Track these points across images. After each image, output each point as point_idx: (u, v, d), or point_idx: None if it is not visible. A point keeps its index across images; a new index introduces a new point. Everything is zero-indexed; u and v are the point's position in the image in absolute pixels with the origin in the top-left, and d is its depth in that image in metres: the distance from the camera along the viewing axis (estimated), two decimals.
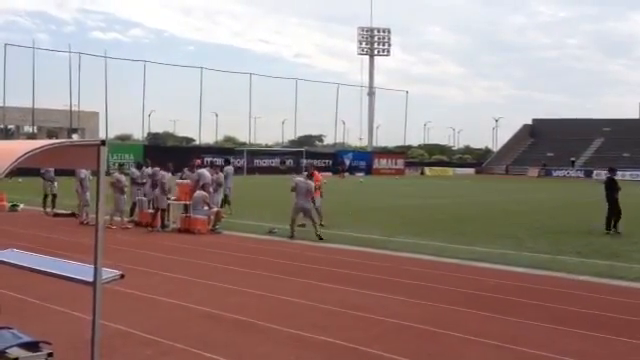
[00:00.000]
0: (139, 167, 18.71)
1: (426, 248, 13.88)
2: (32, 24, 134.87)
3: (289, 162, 63.89)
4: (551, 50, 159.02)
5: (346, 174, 58.98)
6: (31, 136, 64.17)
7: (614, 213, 17.52)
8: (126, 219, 17.29)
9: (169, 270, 10.84)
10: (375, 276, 10.70)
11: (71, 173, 18.04)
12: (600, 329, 7.60)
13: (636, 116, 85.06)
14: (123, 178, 17.67)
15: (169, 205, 17.04)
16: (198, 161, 21.29)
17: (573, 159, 78.21)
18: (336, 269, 11.30)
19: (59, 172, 20.99)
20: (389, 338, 7.09)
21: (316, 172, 18.62)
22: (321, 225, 16.88)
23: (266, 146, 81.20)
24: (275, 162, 62.54)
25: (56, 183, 20.84)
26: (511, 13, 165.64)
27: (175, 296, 8.77)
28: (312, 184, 16.24)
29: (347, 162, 65.99)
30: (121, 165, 20.69)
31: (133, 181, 18.02)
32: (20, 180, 21.01)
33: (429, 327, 7.48)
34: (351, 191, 37.10)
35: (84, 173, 17.90)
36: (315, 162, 65.45)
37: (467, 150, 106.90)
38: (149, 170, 18.04)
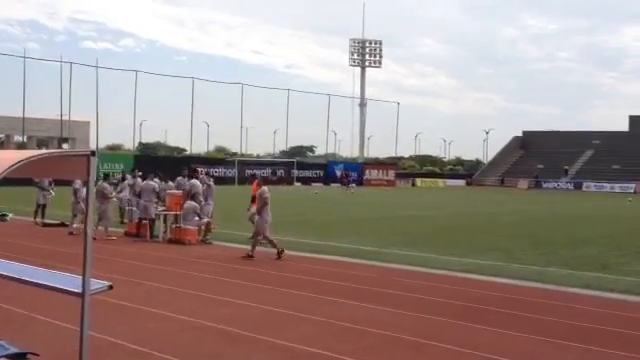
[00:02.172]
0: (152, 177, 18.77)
1: (417, 259, 13.89)
2: (23, 33, 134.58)
3: (280, 172, 63.88)
4: (542, 63, 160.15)
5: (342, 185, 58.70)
6: (21, 145, 63.90)
7: None
8: (110, 229, 17.26)
9: (158, 281, 10.79)
10: (366, 287, 10.68)
11: (67, 183, 17.92)
12: (590, 341, 7.62)
13: (626, 128, 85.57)
14: (109, 187, 17.62)
15: (157, 215, 17.02)
16: (202, 170, 21.12)
17: (567, 167, 78.68)
18: (326, 280, 11.28)
19: (57, 182, 20.93)
20: (379, 350, 7.07)
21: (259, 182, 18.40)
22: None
23: (257, 156, 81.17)
24: (266, 172, 62.48)
25: (51, 194, 20.75)
26: (502, 26, 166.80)
27: (164, 307, 8.72)
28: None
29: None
30: (106, 175, 20.46)
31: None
32: (52, 193, 20.74)
33: (419, 339, 7.47)
34: (342, 202, 37.13)
35: (78, 183, 17.81)
36: (306, 173, 65.99)
37: (458, 161, 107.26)
38: (130, 180, 18.12)
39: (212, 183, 19.21)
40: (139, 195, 17.35)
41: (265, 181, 15.95)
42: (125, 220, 18.73)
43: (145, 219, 16.89)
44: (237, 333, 7.51)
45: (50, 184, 20.81)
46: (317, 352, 6.83)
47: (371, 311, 8.89)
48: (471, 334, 7.81)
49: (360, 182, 66.25)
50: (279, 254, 13.76)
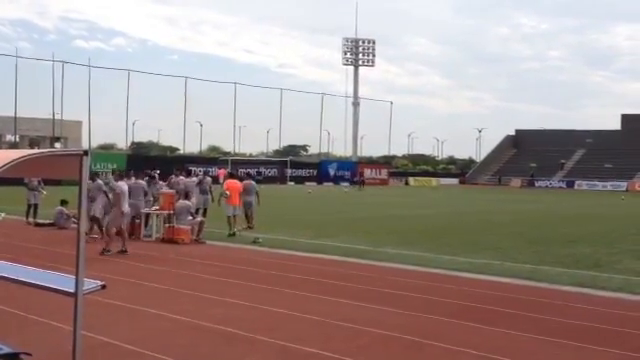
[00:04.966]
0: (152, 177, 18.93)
1: (410, 258, 13.89)
2: (14, 32, 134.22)
3: (271, 172, 63.66)
4: (533, 61, 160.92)
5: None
6: (13, 145, 63.65)
7: None
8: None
9: (153, 280, 10.75)
10: (360, 287, 10.67)
11: (56, 183, 17.85)
12: (585, 339, 7.63)
13: (618, 127, 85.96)
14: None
15: (148, 214, 17.02)
16: (223, 171, 21.54)
17: (563, 161, 79.11)
18: (321, 279, 11.27)
19: (47, 182, 20.85)
20: (375, 349, 7.06)
21: (231, 180, 19.07)
22: (232, 234, 17.33)
23: (250, 156, 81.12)
24: (260, 172, 62.38)
25: (43, 193, 20.65)
26: (494, 25, 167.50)
27: (159, 307, 8.69)
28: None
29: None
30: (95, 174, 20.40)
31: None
32: (44, 192, 20.74)
33: (415, 338, 7.47)
34: (335, 201, 37.15)
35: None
36: (300, 172, 65.95)
37: (451, 160, 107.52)
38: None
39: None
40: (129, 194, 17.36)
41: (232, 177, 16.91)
42: None
43: (137, 218, 16.90)
44: (233, 333, 7.49)
45: (39, 183, 20.71)
46: (313, 352, 6.81)
47: (367, 310, 8.88)
48: (467, 333, 7.82)
49: (353, 181, 66.24)
50: (104, 251, 13.56)
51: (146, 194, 17.29)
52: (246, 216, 19.39)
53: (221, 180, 41.11)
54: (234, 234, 17.38)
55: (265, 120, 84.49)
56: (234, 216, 17.92)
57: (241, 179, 20.70)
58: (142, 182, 17.37)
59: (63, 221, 18.86)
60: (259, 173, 61.75)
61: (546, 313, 8.98)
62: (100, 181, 17.08)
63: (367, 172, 70.48)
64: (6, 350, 5.08)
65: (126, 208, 14.46)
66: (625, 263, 13.96)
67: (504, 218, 26.57)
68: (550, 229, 21.80)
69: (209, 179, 21.87)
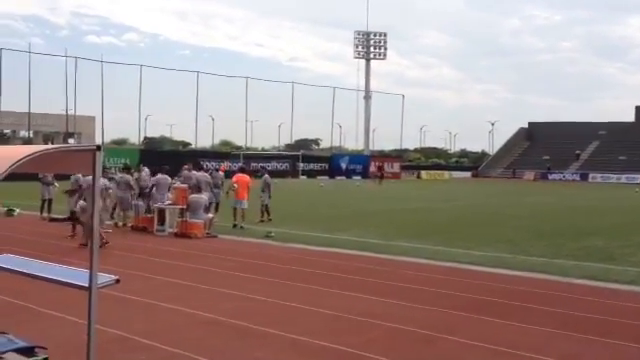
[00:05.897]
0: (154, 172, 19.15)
1: (423, 252, 13.87)
2: (26, 28, 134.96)
3: (282, 166, 63.65)
4: (546, 53, 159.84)
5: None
6: (27, 141, 64.06)
7: None
8: (107, 222, 17.29)
9: (166, 275, 10.81)
10: (373, 280, 10.68)
11: (68, 177, 17.95)
12: (598, 333, 7.60)
13: (632, 119, 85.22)
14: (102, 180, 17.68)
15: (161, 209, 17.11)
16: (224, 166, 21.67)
17: (578, 152, 78.68)
18: (334, 273, 11.28)
19: (60, 177, 20.96)
20: (387, 343, 7.07)
21: (241, 174, 19.30)
22: (234, 226, 17.67)
23: (262, 150, 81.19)
24: (271, 166, 62.40)
25: (56, 187, 20.76)
26: (506, 17, 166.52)
27: (173, 301, 8.74)
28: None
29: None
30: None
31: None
32: (57, 185, 20.92)
33: (428, 331, 7.46)
34: (347, 195, 37.14)
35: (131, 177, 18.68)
36: (312, 166, 65.99)
37: (463, 154, 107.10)
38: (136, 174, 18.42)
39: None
40: (151, 189, 17.62)
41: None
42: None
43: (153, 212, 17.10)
44: (245, 327, 7.52)
45: (53, 178, 20.83)
46: (326, 345, 6.83)
47: (380, 304, 8.89)
48: (480, 326, 7.80)
49: (366, 175, 66.09)
50: (103, 244, 13.29)
51: (168, 189, 17.55)
52: (265, 210, 19.61)
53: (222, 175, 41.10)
54: (235, 226, 17.75)
55: (277, 114, 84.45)
56: (241, 209, 18.13)
57: (253, 173, 20.78)
58: (168, 177, 17.77)
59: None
60: (263, 167, 61.87)
61: (559, 306, 8.94)
62: (79, 175, 16.92)
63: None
64: (21, 344, 5.13)
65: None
66: (639, 256, 13.88)
67: (517, 211, 26.45)
68: (563, 222, 21.69)
69: (221, 174, 21.93)
